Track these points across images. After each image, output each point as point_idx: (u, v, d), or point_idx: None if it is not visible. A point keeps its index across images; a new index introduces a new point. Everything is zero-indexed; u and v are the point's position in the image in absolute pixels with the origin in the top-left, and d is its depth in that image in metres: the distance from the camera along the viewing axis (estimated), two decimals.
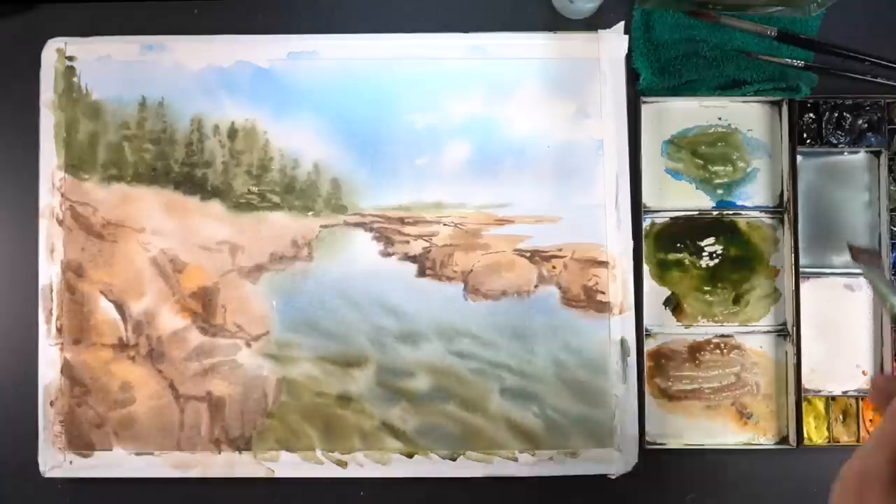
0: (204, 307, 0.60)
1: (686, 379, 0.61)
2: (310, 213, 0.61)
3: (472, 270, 0.61)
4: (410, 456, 0.59)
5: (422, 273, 0.61)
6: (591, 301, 0.60)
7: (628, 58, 0.61)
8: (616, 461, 0.59)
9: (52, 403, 0.59)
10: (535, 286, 0.60)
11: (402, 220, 0.61)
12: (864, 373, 0.61)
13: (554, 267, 0.60)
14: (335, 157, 0.61)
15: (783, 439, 0.61)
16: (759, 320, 0.62)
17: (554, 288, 0.60)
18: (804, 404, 0.60)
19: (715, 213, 0.62)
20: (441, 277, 0.61)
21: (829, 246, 0.61)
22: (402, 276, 0.60)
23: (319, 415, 0.60)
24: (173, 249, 0.61)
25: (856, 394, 0.60)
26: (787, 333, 0.60)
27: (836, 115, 0.61)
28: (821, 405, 0.60)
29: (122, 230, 0.61)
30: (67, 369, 0.60)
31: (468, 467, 0.59)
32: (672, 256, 0.62)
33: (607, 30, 0.61)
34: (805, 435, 0.60)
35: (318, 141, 0.61)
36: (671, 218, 0.62)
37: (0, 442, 0.61)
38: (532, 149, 0.61)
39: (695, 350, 0.61)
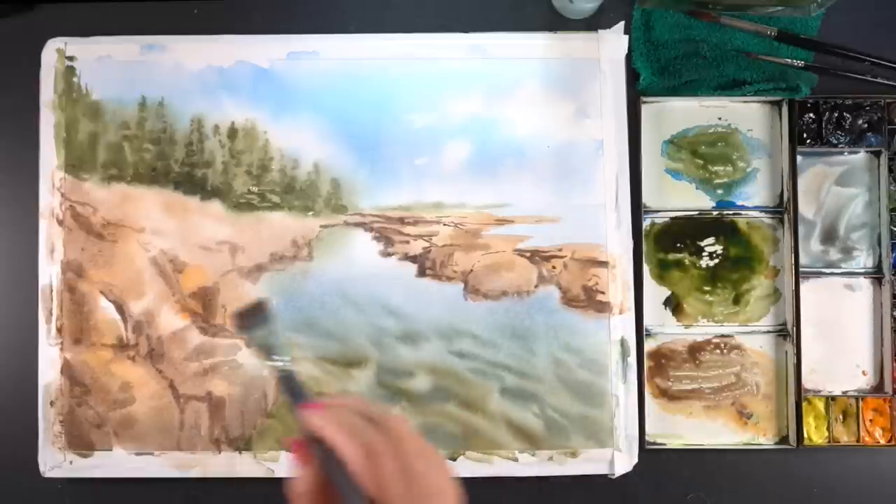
0: (204, 307, 0.60)
1: (686, 379, 0.61)
2: (310, 213, 0.61)
3: (472, 270, 0.61)
4: None
5: (422, 273, 0.61)
6: (591, 301, 0.60)
7: (628, 58, 0.61)
8: (616, 461, 0.59)
9: (52, 403, 0.59)
10: (535, 286, 0.60)
11: (402, 220, 0.61)
12: (864, 373, 0.61)
13: (554, 267, 0.60)
14: (335, 158, 0.61)
15: (783, 439, 0.61)
16: (759, 320, 0.62)
17: (554, 288, 0.60)
18: (804, 404, 0.60)
19: (715, 213, 0.62)
20: (441, 277, 0.61)
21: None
22: (402, 276, 0.60)
23: None
24: (173, 249, 0.60)
25: (856, 394, 0.60)
26: (787, 333, 0.60)
27: (836, 115, 0.61)
28: (821, 405, 0.60)
29: (122, 230, 0.61)
30: (67, 369, 0.60)
31: (468, 467, 0.59)
32: (672, 256, 0.62)
33: (607, 30, 0.61)
34: (805, 435, 0.59)
35: (318, 141, 0.61)
36: (671, 218, 0.62)
37: (0, 442, 0.61)
38: (532, 149, 0.61)
39: (695, 350, 0.61)
